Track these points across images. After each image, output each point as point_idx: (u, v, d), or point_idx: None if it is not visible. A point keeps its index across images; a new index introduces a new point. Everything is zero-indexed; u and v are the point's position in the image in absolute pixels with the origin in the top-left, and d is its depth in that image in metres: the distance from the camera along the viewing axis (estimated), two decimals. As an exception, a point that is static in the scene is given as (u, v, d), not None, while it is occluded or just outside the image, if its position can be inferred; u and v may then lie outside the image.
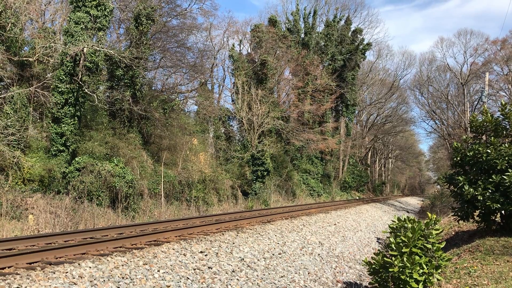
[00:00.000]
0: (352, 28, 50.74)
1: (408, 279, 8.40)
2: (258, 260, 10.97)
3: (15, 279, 6.63)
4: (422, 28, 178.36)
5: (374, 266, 9.16)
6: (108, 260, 8.20)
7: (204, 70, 36.03)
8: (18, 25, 19.08)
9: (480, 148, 13.69)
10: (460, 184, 14.02)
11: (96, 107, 21.59)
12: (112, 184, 18.35)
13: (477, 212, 14.25)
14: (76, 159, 18.44)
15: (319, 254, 13.62)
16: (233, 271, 9.58)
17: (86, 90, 18.94)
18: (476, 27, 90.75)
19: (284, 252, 12.47)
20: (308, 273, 11.41)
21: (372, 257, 9.34)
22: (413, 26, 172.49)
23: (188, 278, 8.40)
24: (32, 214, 14.64)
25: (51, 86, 19.15)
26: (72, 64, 18.41)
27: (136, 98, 23.74)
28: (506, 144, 13.37)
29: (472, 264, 10.71)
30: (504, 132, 14.05)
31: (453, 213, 15.25)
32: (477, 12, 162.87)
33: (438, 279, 8.87)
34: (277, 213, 19.75)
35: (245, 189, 31.16)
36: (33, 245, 9.52)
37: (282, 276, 10.42)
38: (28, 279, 6.70)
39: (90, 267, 7.65)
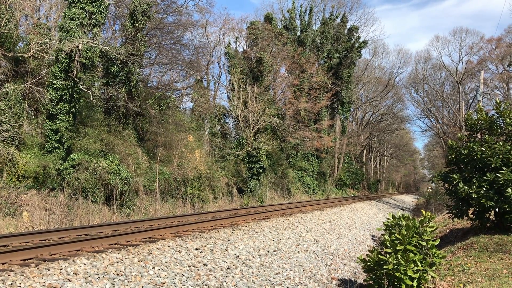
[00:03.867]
0: (348, 26, 50.76)
1: (402, 276, 8.44)
2: (253, 257, 10.98)
3: (9, 275, 6.60)
4: (419, 27, 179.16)
5: (368, 263, 9.20)
6: (103, 257, 8.18)
7: (199, 67, 35.96)
8: (12, 20, 18.94)
9: (474, 146, 13.75)
10: (454, 182, 14.08)
11: (91, 103, 21.50)
12: (107, 181, 18.30)
13: (472, 210, 14.33)
14: (71, 155, 18.36)
15: (314, 251, 13.65)
16: (228, 268, 9.59)
17: (81, 87, 18.85)
18: (472, 26, 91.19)
19: (279, 249, 12.49)
20: (303, 270, 11.43)
21: (367, 255, 9.38)
22: (410, 25, 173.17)
23: (183, 275, 8.39)
24: (26, 210, 14.58)
25: (46, 83, 19.05)
26: (67, 60, 18.32)
27: (131, 95, 23.65)
28: (500, 142, 13.43)
29: (466, 261, 10.77)
30: (499, 130, 14.11)
31: (447, 211, 15.32)
32: (474, 12, 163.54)
33: (432, 276, 8.92)
34: (272, 210, 19.78)
35: (240, 187, 31.17)
36: (28, 242, 9.49)
37: (277, 273, 10.43)
38: (23, 275, 6.67)
39: (84, 264, 7.63)
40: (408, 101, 68.87)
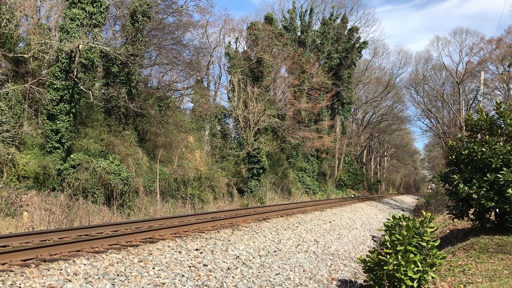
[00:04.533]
0: (348, 27, 50.79)
1: (403, 277, 8.43)
2: (254, 257, 10.98)
3: (9, 276, 6.60)
4: (419, 27, 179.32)
5: (369, 264, 9.19)
6: (103, 257, 8.18)
7: (200, 67, 35.97)
8: (13, 21, 18.96)
9: (475, 147, 13.74)
10: (455, 183, 14.07)
11: (92, 104, 21.50)
12: (107, 181, 18.30)
13: (472, 210, 14.32)
14: (71, 156, 18.37)
15: (314, 252, 13.64)
16: (228, 269, 9.58)
17: (81, 87, 18.86)
18: (473, 27, 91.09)
19: (280, 250, 12.48)
20: (303, 271, 11.42)
21: (367, 255, 9.37)
22: (410, 26, 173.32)
23: (183, 276, 8.39)
24: (26, 211, 14.58)
25: (46, 83, 19.06)
26: (67, 60, 18.32)
27: (131, 95, 23.65)
28: (501, 143, 13.42)
29: (467, 262, 10.76)
30: (499, 131, 14.11)
31: (448, 211, 15.31)
32: (474, 12, 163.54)
33: (432, 277, 8.91)
34: (272, 211, 19.76)
35: (240, 187, 31.16)
36: (28, 242, 9.48)
37: (277, 274, 10.43)
38: (23, 276, 6.67)
39: (85, 264, 7.63)
40: (408, 102, 68.91)
